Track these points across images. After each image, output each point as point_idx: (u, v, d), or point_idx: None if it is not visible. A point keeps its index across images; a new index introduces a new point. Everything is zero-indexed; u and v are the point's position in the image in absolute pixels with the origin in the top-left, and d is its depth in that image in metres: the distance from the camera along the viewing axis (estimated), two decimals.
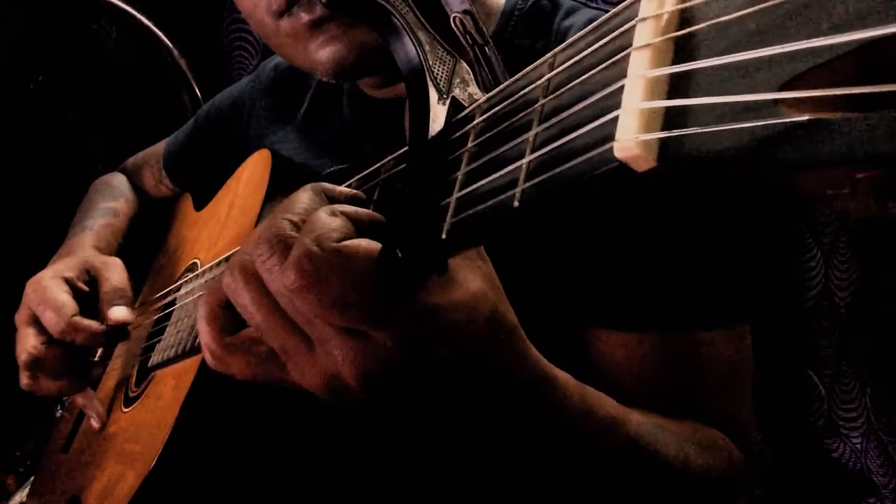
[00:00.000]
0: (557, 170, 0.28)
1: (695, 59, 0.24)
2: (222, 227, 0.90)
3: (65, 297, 0.82)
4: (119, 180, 1.20)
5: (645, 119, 0.25)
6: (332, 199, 0.42)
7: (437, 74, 0.39)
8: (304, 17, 0.66)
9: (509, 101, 0.34)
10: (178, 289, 0.89)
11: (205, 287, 0.76)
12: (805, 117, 0.21)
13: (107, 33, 1.48)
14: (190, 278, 0.86)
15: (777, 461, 1.43)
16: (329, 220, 0.37)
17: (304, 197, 0.41)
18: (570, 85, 0.30)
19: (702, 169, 0.23)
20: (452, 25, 0.42)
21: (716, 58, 0.23)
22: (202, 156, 1.09)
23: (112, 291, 0.86)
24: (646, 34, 0.26)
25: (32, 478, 1.12)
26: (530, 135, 0.31)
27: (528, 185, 0.30)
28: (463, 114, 0.38)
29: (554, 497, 0.52)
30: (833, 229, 1.47)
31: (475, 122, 0.36)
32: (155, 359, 0.84)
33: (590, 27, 0.30)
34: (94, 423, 0.92)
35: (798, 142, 0.21)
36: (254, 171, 0.88)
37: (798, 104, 0.21)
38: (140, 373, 0.90)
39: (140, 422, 0.83)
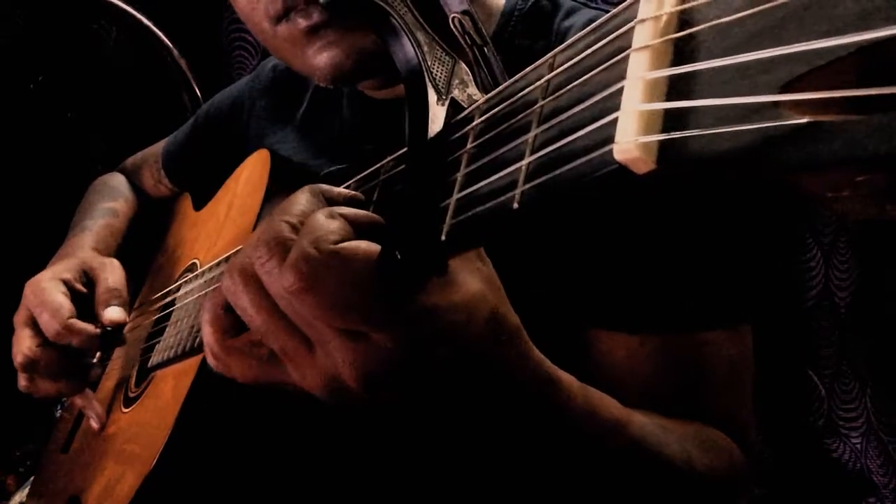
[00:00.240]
0: (557, 172, 0.28)
1: (694, 61, 0.24)
2: (221, 227, 0.90)
3: (62, 299, 0.82)
4: (118, 180, 1.20)
5: (644, 121, 0.24)
6: (331, 200, 0.42)
7: (436, 75, 0.39)
8: (302, 22, 0.66)
9: (508, 102, 0.34)
10: (178, 289, 0.89)
11: (204, 287, 0.76)
12: (805, 119, 0.20)
13: (107, 33, 1.48)
14: (189, 278, 0.86)
15: (777, 461, 1.43)
16: (327, 223, 0.37)
17: (302, 199, 0.41)
18: (570, 86, 0.30)
19: (702, 171, 0.23)
20: (451, 26, 0.42)
21: (715, 59, 0.23)
22: (201, 156, 1.09)
23: (107, 292, 0.86)
24: (645, 36, 0.26)
25: (32, 478, 1.12)
26: (530, 136, 0.31)
27: (527, 186, 0.29)
28: (462, 115, 0.38)
29: (557, 498, 0.52)
30: (833, 229, 1.47)
31: (474, 123, 0.36)
32: (154, 359, 0.84)
33: (589, 28, 0.30)
34: (94, 424, 0.92)
35: (798, 144, 0.21)
36: (253, 171, 0.88)
37: (798, 106, 0.21)
38: (140, 373, 0.90)
39: (140, 422, 0.83)
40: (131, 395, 0.90)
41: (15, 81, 1.46)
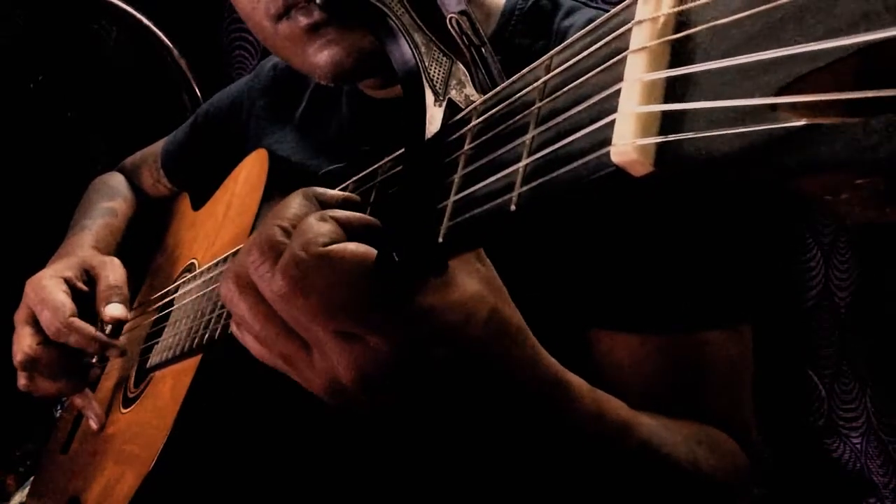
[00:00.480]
0: (554, 174, 0.28)
1: (692, 63, 0.24)
2: (220, 227, 0.90)
3: (63, 297, 0.82)
4: (117, 180, 1.20)
5: (642, 123, 0.24)
6: (325, 203, 0.42)
7: (434, 76, 0.39)
8: (302, 20, 0.66)
9: (506, 103, 0.34)
10: (176, 289, 0.89)
11: (203, 288, 0.76)
12: (803, 122, 0.20)
13: (107, 33, 1.48)
14: (188, 279, 0.86)
15: (777, 461, 1.43)
16: (318, 226, 0.37)
17: (294, 202, 0.41)
18: (567, 88, 0.29)
19: (699, 173, 0.23)
20: (449, 27, 0.42)
21: (713, 61, 0.23)
22: (200, 155, 1.09)
23: (108, 289, 0.86)
24: (642, 37, 0.26)
25: (32, 478, 1.12)
26: (527, 138, 0.31)
27: (524, 188, 0.29)
28: (459, 116, 0.38)
29: (565, 499, 0.52)
30: (833, 229, 1.46)
31: (472, 124, 0.36)
32: (153, 360, 0.84)
33: (586, 29, 0.30)
34: (93, 424, 0.92)
35: (796, 147, 0.20)
36: (251, 170, 0.88)
37: (796, 109, 0.21)
38: (139, 373, 0.90)
39: (139, 423, 0.83)
40: (130, 395, 0.90)
41: (15, 81, 1.46)
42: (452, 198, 0.34)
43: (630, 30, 0.26)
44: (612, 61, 0.27)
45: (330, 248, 0.36)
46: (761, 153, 0.21)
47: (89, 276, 0.90)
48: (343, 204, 0.43)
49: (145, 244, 1.14)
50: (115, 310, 0.84)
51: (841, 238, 1.48)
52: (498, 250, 0.43)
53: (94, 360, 0.87)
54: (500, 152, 0.32)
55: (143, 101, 1.50)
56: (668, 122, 0.24)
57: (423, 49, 0.39)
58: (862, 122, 0.19)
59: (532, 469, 0.50)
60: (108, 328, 0.84)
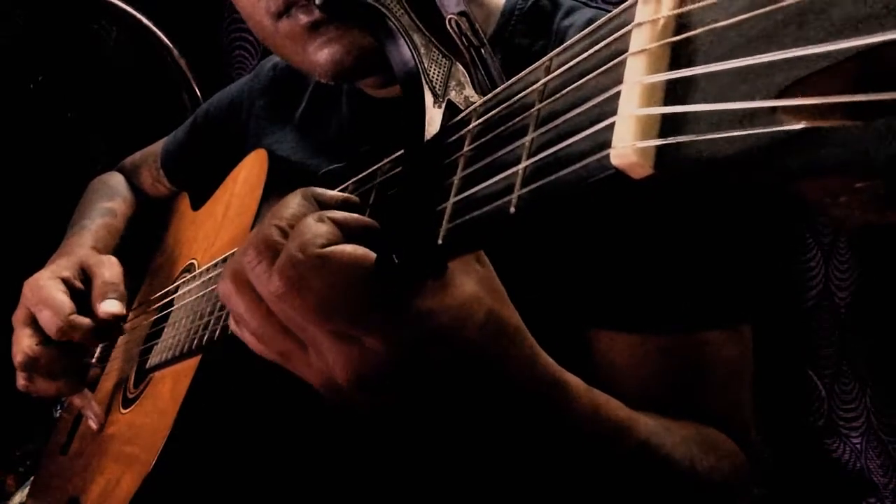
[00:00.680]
0: (554, 176, 0.28)
1: (692, 66, 0.24)
2: (219, 228, 0.90)
3: (62, 297, 0.82)
4: (116, 180, 1.20)
5: (641, 126, 0.24)
6: (323, 204, 0.42)
7: (433, 77, 0.39)
8: (303, 18, 0.66)
9: (505, 104, 0.34)
10: (176, 290, 0.89)
11: (202, 288, 0.76)
12: (802, 125, 0.20)
13: (107, 33, 1.48)
14: (187, 279, 0.86)
15: (777, 461, 1.43)
16: (315, 226, 0.37)
17: (293, 202, 0.41)
18: (566, 90, 0.29)
19: (699, 176, 0.23)
20: (448, 27, 0.41)
21: (713, 64, 0.23)
22: (200, 155, 1.09)
23: (103, 286, 0.86)
24: (642, 39, 0.26)
25: (32, 478, 1.12)
26: (526, 140, 0.31)
27: (524, 191, 0.29)
28: (459, 117, 0.38)
29: (562, 500, 0.52)
30: (833, 229, 1.46)
31: (471, 125, 0.36)
32: (153, 360, 0.84)
33: (586, 31, 0.30)
34: (92, 425, 0.92)
35: (796, 150, 0.20)
36: (251, 170, 0.88)
37: (796, 112, 0.20)
38: (138, 374, 0.90)
39: (138, 423, 0.83)
40: (130, 395, 0.90)
41: (15, 81, 1.46)
42: (452, 199, 0.34)
43: (630, 32, 0.26)
44: (611, 63, 0.27)
45: (327, 249, 0.36)
46: (761, 156, 0.21)
47: (86, 276, 0.89)
48: (342, 205, 0.43)
49: (145, 244, 1.14)
50: (110, 306, 0.83)
51: (841, 238, 1.48)
52: (497, 250, 0.43)
53: (93, 361, 0.87)
54: (499, 154, 0.32)
55: (143, 101, 1.50)
56: (669, 125, 0.24)
57: (422, 50, 0.39)
58: (862, 125, 0.19)
59: (530, 469, 0.50)
60: (108, 324, 0.84)
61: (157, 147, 1.17)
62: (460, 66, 0.40)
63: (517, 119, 0.32)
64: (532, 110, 0.31)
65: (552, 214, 0.29)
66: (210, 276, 0.75)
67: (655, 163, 0.24)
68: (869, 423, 1.53)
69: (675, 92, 0.24)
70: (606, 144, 0.25)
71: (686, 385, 0.65)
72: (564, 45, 0.31)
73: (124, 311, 0.84)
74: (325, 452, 0.77)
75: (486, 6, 0.76)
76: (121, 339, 0.99)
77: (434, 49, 0.39)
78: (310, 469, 0.78)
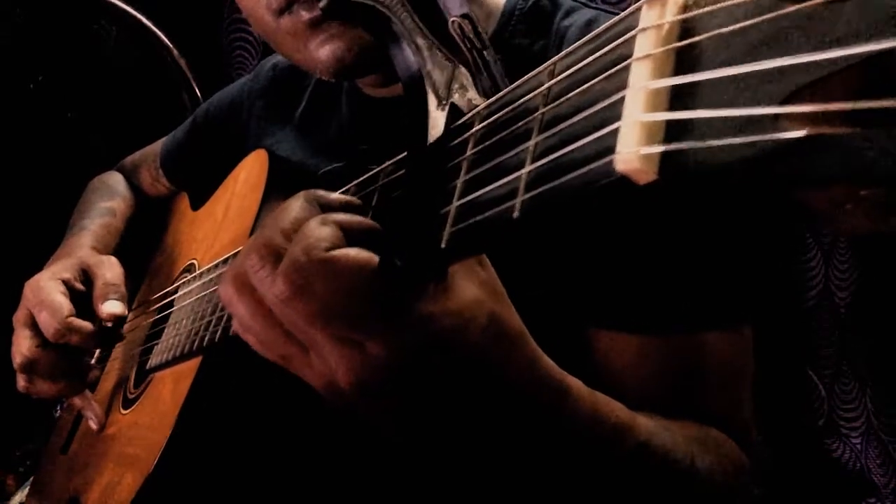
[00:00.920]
0: (558, 181, 0.28)
1: (696, 71, 0.24)
2: (220, 228, 0.90)
3: (61, 299, 0.82)
4: (116, 179, 1.20)
5: (646, 131, 0.24)
6: (326, 206, 0.42)
7: (436, 80, 0.39)
8: (304, 15, 0.66)
9: (509, 108, 0.34)
10: (176, 290, 0.89)
11: (203, 289, 0.76)
12: (805, 132, 0.20)
13: (107, 33, 1.48)
14: (188, 279, 0.86)
15: (777, 461, 1.43)
16: (319, 230, 0.37)
17: (295, 205, 0.41)
18: (571, 94, 0.29)
19: (703, 183, 0.23)
20: (451, 30, 0.41)
21: (717, 70, 0.23)
22: (200, 155, 1.09)
23: (105, 286, 0.86)
24: (646, 45, 0.26)
25: (32, 478, 1.12)
26: (530, 144, 0.31)
27: (527, 195, 0.29)
28: (462, 120, 0.38)
29: (563, 502, 0.52)
30: (833, 230, 1.46)
31: (474, 129, 0.36)
32: (153, 361, 0.84)
33: (590, 35, 0.30)
34: (92, 425, 0.92)
35: (799, 157, 0.20)
36: (251, 171, 0.88)
37: (800, 119, 0.21)
38: (138, 374, 0.90)
39: (139, 424, 0.83)
40: (130, 396, 0.90)
41: (15, 81, 1.45)
42: (455, 203, 0.34)
43: (635, 37, 0.26)
44: (616, 68, 0.27)
45: (332, 253, 0.36)
46: (764, 163, 0.21)
47: (87, 276, 0.89)
48: (344, 207, 0.43)
49: (144, 244, 1.14)
50: (112, 307, 0.83)
51: (841, 238, 1.48)
52: (499, 252, 0.43)
53: (93, 362, 0.87)
54: (503, 158, 0.32)
55: (143, 101, 1.49)
56: (673, 131, 0.24)
57: (425, 53, 0.39)
58: (866, 132, 0.19)
59: (530, 471, 0.50)
60: (109, 325, 0.84)
61: (157, 147, 1.17)
62: (463, 69, 0.40)
63: (521, 123, 0.32)
64: (536, 114, 0.31)
65: (555, 219, 0.29)
66: (211, 276, 0.75)
67: (659, 169, 0.24)
68: (869, 423, 1.53)
69: (679, 98, 0.24)
70: (611, 150, 0.25)
71: (686, 385, 0.65)
72: (568, 49, 0.31)
73: (126, 312, 0.84)
74: (326, 453, 0.77)
75: (487, 6, 0.76)
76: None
77: (437, 52, 0.39)
78: (310, 470, 0.78)
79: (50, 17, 1.46)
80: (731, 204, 0.64)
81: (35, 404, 1.06)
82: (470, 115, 0.37)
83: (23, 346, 0.83)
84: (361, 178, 0.47)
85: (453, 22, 0.42)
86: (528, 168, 0.30)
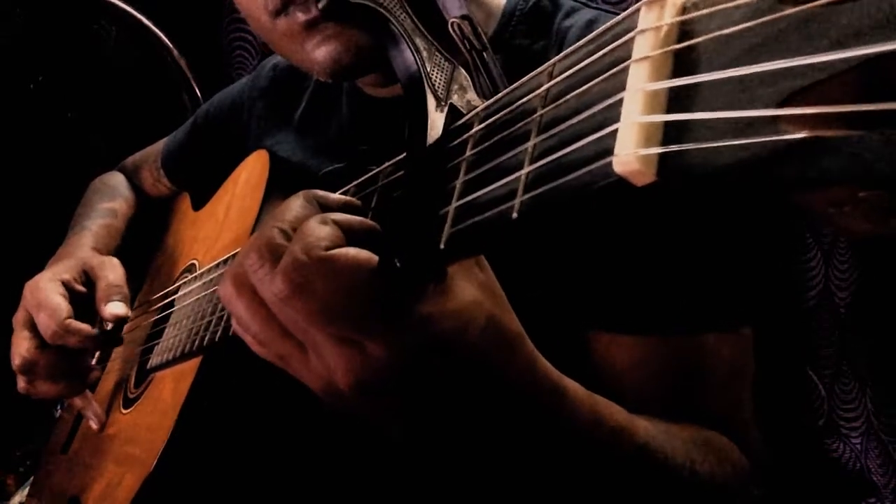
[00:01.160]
0: (556, 182, 0.28)
1: (695, 73, 0.24)
2: (221, 228, 0.90)
3: (59, 300, 0.82)
4: (117, 180, 1.20)
5: (644, 133, 0.24)
6: (325, 206, 0.42)
7: (435, 81, 0.39)
8: (301, 16, 0.66)
9: (508, 109, 0.34)
10: (177, 290, 0.89)
11: (203, 289, 0.76)
12: (804, 134, 0.20)
13: (107, 33, 1.48)
14: (188, 279, 0.86)
15: (777, 461, 1.43)
16: (319, 229, 0.37)
17: (295, 205, 0.41)
18: (569, 96, 0.29)
19: (701, 184, 0.23)
20: (450, 31, 0.42)
21: (716, 72, 0.23)
22: (201, 155, 1.09)
23: (108, 288, 0.86)
24: (645, 47, 0.26)
25: (32, 478, 1.13)
26: (529, 145, 0.31)
27: (526, 196, 0.29)
28: (461, 121, 0.38)
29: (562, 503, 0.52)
30: (833, 229, 1.46)
31: (473, 130, 0.36)
32: (154, 361, 0.84)
33: (589, 37, 0.30)
34: (93, 425, 0.92)
35: (797, 160, 0.20)
36: (252, 171, 0.88)
37: (798, 121, 0.21)
38: (139, 374, 0.90)
39: (139, 424, 0.83)
40: (131, 396, 0.90)
41: (15, 81, 1.46)
42: (454, 204, 0.34)
43: (633, 38, 0.26)
44: (614, 70, 0.27)
45: (332, 252, 0.36)
46: (762, 165, 0.21)
47: (88, 278, 0.89)
48: (344, 208, 0.43)
49: (145, 244, 1.14)
50: (116, 307, 0.83)
51: (841, 238, 1.48)
52: (497, 253, 0.43)
53: (93, 362, 0.87)
54: (501, 159, 0.32)
55: (143, 101, 1.49)
56: (671, 132, 0.24)
57: (424, 54, 0.39)
58: (865, 135, 0.19)
59: (529, 474, 0.50)
60: (109, 326, 0.84)
61: (158, 147, 1.17)
62: (462, 70, 0.40)
63: (519, 124, 0.32)
64: (534, 116, 0.31)
65: (554, 220, 0.29)
66: (212, 276, 0.75)
67: (658, 170, 0.24)
68: (869, 423, 1.53)
69: (677, 99, 0.24)
70: (609, 151, 0.25)
71: (686, 387, 0.65)
72: (567, 50, 0.31)
73: (129, 313, 0.84)
74: (326, 453, 0.77)
75: (487, 7, 0.76)
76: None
77: (436, 53, 0.40)
78: (310, 470, 0.78)
79: (50, 17, 1.46)
80: (730, 205, 0.64)
81: (35, 404, 1.06)
82: (469, 116, 0.37)
83: (22, 347, 0.83)
84: (361, 179, 0.47)
85: (453, 23, 0.42)
86: (526, 169, 0.30)
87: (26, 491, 1.11)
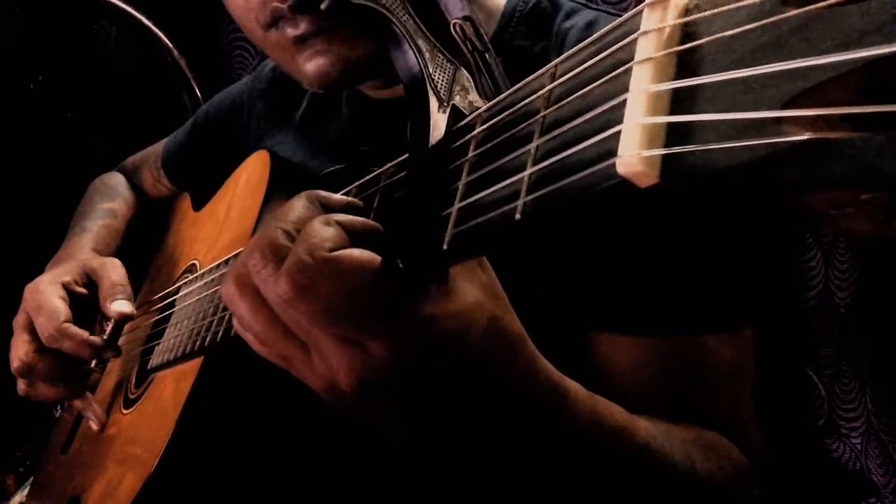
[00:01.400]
0: (559, 184, 0.28)
1: (698, 75, 0.24)
2: (221, 229, 0.90)
3: (58, 303, 0.82)
4: (117, 180, 1.20)
5: (647, 135, 0.24)
6: (328, 207, 0.42)
7: (438, 82, 0.39)
8: (290, 32, 0.66)
9: (510, 110, 0.34)
10: (177, 290, 0.89)
11: (204, 289, 0.76)
12: (807, 136, 0.20)
13: (107, 33, 1.48)
14: (189, 280, 0.86)
15: (777, 461, 1.43)
16: (322, 230, 0.37)
17: (298, 205, 0.41)
18: (572, 97, 0.29)
19: (704, 186, 0.23)
20: (452, 32, 0.42)
21: (719, 73, 0.23)
22: (201, 156, 1.09)
23: (112, 287, 0.85)
24: (648, 48, 0.26)
25: (32, 478, 1.12)
26: (532, 146, 0.31)
27: (529, 198, 0.29)
28: (463, 122, 0.38)
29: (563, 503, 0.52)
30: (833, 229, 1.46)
31: (476, 131, 0.36)
32: (154, 361, 0.84)
33: (592, 38, 0.30)
34: (93, 426, 0.92)
35: (800, 161, 0.20)
36: (252, 172, 0.88)
37: (801, 123, 0.21)
38: (139, 374, 0.90)
39: (139, 424, 0.83)
40: (131, 396, 0.90)
41: (15, 81, 1.45)
42: (457, 205, 0.34)
43: (636, 40, 0.26)
44: (617, 71, 0.27)
45: (336, 253, 0.36)
46: (765, 167, 0.21)
47: (89, 279, 0.89)
48: (347, 208, 0.43)
49: (145, 245, 1.14)
50: (121, 305, 0.83)
51: (841, 238, 1.48)
52: (499, 254, 0.43)
53: (92, 366, 0.87)
54: (504, 160, 0.32)
55: (143, 101, 1.49)
56: (674, 134, 0.24)
57: (427, 55, 0.39)
58: (868, 136, 0.19)
59: (529, 474, 0.50)
60: (111, 325, 0.83)
61: (158, 147, 1.17)
62: (464, 71, 0.40)
63: (522, 125, 0.32)
64: (537, 117, 0.31)
65: (557, 221, 0.29)
66: (213, 276, 0.75)
67: (661, 172, 0.24)
68: (869, 424, 1.53)
69: (680, 101, 0.24)
70: (612, 153, 0.25)
71: (686, 388, 0.65)
72: (570, 52, 0.31)
73: (133, 311, 0.84)
74: (327, 453, 0.77)
75: (487, 8, 0.76)
76: (122, 340, 0.99)
77: (438, 54, 0.40)
78: (311, 470, 0.78)
79: (50, 18, 1.46)
80: (732, 206, 0.64)
81: (35, 405, 1.06)
82: (471, 117, 0.37)
83: (21, 350, 0.83)
84: (363, 180, 0.47)
85: (455, 24, 0.42)
86: (529, 170, 0.30)
87: (26, 491, 1.11)
